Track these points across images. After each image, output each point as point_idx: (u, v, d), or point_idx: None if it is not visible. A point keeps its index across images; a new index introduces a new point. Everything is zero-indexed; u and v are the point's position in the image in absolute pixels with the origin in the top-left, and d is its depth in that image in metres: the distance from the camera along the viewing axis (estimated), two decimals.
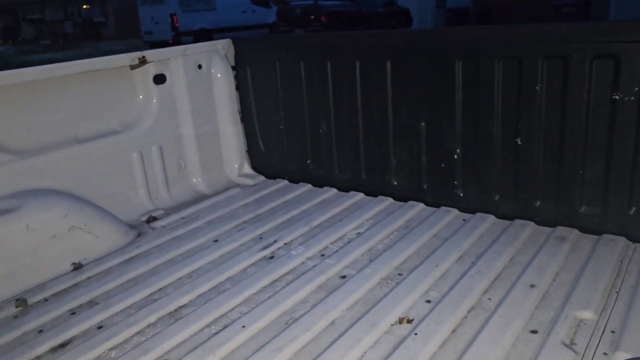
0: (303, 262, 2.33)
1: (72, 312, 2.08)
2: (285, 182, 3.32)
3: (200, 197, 3.17)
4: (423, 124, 2.74)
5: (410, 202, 2.82)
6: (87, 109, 2.78)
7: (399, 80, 2.76)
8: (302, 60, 3.09)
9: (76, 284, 2.30)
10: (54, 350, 1.85)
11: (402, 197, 2.88)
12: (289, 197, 3.09)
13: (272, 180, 3.38)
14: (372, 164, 3.00)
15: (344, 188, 3.09)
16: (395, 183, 2.94)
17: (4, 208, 2.31)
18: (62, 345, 1.88)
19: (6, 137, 2.46)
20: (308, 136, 3.21)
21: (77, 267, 2.42)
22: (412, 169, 2.86)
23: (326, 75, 3.00)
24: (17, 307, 2.13)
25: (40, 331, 1.97)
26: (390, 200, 2.90)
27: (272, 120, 3.33)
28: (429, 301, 1.97)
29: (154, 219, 2.92)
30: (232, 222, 2.80)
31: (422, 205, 2.79)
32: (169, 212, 2.99)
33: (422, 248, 2.37)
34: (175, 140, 3.16)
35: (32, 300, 2.18)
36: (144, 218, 2.92)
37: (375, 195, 2.96)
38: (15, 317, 2.08)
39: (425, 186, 2.83)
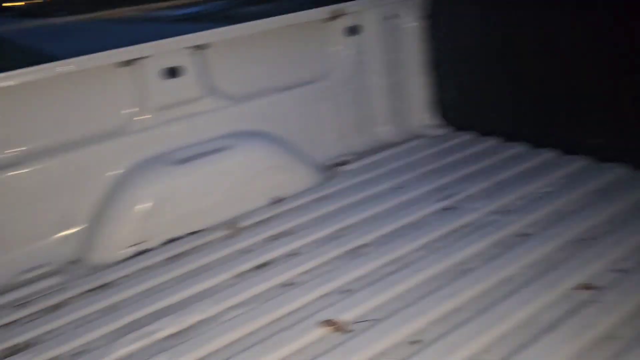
0: (483, 217, 2.33)
1: (272, 239, 2.42)
2: (473, 134, 3.27)
3: (387, 145, 3.31)
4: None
5: (610, 164, 2.58)
6: (286, 60, 3.06)
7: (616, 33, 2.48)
8: (506, 7, 2.93)
9: (276, 215, 2.64)
10: (256, 268, 2.20)
11: (602, 157, 2.64)
12: (475, 149, 3.05)
13: (459, 132, 3.35)
14: (568, 120, 2.79)
15: (536, 144, 2.94)
16: (595, 142, 2.70)
17: (221, 146, 2.72)
18: (263, 265, 2.21)
19: (225, 86, 2.87)
20: (501, 88, 3.08)
21: (277, 201, 2.77)
22: (616, 127, 2.58)
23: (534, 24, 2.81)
24: (227, 229, 2.55)
25: (247, 251, 2.34)
26: (588, 160, 2.68)
27: (464, 70, 3.27)
28: (619, 270, 1.84)
29: (343, 163, 3.15)
30: (415, 171, 2.88)
31: (623, 168, 2.53)
32: (356, 157, 3.19)
33: (616, 214, 2.19)
34: (365, 90, 3.31)
35: (241, 225, 2.58)
36: (335, 161, 3.17)
37: (570, 154, 2.76)
38: (228, 237, 2.49)
39: (630, 147, 2.55)
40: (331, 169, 3.10)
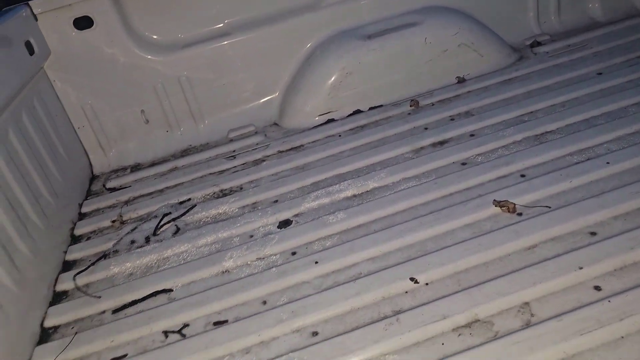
0: None
1: (452, 118, 2.43)
2: None
3: (594, 25, 2.94)
4: None
5: None
6: None
7: None
8: None
9: (457, 95, 2.61)
10: (433, 145, 2.26)
11: None
12: None
13: None
14: None
15: None
16: None
17: (410, 22, 2.70)
18: (441, 143, 2.26)
19: None
20: None
21: (461, 80, 2.72)
22: None
23: None
24: (410, 106, 2.61)
25: (426, 128, 2.39)
26: None
27: None
28: None
29: (538, 44, 2.90)
30: (624, 56, 2.56)
31: None
32: (555, 38, 2.92)
33: None
34: None
35: (422, 102, 2.62)
36: (528, 42, 2.94)
37: None
38: (409, 114, 2.56)
39: None
40: (524, 49, 2.90)
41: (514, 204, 1.75)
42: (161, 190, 2.42)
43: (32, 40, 2.29)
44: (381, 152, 2.28)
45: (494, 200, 1.79)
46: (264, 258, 1.81)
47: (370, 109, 2.68)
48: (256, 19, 2.72)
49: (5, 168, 1.83)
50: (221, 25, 2.72)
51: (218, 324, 1.58)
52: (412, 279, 1.56)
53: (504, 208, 1.76)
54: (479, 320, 1.39)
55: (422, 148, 2.26)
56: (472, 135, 2.26)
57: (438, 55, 2.69)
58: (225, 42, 2.68)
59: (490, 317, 1.39)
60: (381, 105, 2.68)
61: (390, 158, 2.23)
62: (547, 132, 2.15)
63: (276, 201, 2.13)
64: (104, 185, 2.57)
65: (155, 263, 1.92)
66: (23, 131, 2.06)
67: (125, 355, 1.55)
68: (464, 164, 2.07)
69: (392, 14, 2.76)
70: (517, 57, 2.82)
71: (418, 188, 1.98)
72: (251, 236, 1.94)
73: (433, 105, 2.58)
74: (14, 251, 1.73)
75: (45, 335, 1.71)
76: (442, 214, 1.81)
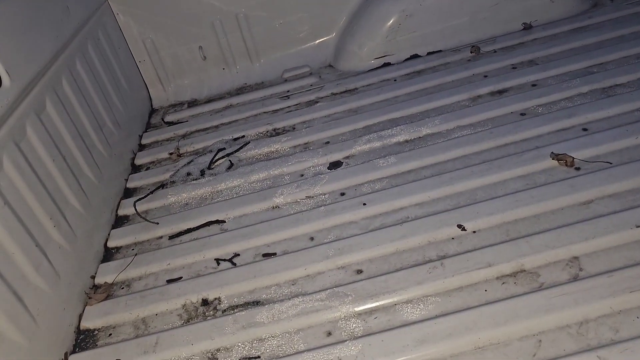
0: None
1: (514, 67, 2.33)
2: None
3: None
4: None
5: None
6: None
7: None
8: None
9: (522, 43, 2.50)
10: (492, 93, 2.19)
11: None
12: None
13: None
14: None
15: None
16: None
17: None
18: (500, 92, 2.19)
19: None
20: None
21: (527, 27, 2.59)
22: None
23: None
24: (471, 52, 2.52)
25: (485, 76, 2.32)
26: None
27: None
28: None
29: None
30: None
31: None
32: None
33: None
34: None
35: (483, 49, 2.52)
36: None
37: None
38: (469, 60, 2.48)
39: None
40: None
41: (573, 158, 1.70)
42: (216, 127, 2.48)
43: None
44: (437, 98, 2.23)
45: (552, 152, 1.74)
46: (313, 197, 1.85)
47: (429, 54, 2.61)
48: None
49: (73, 97, 1.92)
50: None
51: (267, 255, 1.65)
52: (459, 226, 1.56)
53: (561, 161, 1.72)
54: (524, 271, 1.39)
55: (479, 96, 2.19)
56: (534, 85, 2.17)
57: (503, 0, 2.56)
58: None
59: (536, 269, 1.39)
60: (440, 51, 2.60)
61: (445, 105, 2.19)
62: (616, 85, 2.04)
63: (328, 142, 2.14)
64: (162, 119, 2.65)
65: (209, 195, 2.00)
66: (89, 61, 2.13)
67: (180, 278, 1.65)
68: (522, 114, 2.01)
69: None
70: (591, 4, 2.65)
71: (472, 137, 1.94)
72: (302, 175, 1.98)
73: (495, 52, 2.49)
74: (81, 176, 1.83)
75: (109, 254, 1.84)
76: (495, 164, 1.78)
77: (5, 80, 1.40)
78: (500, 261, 1.41)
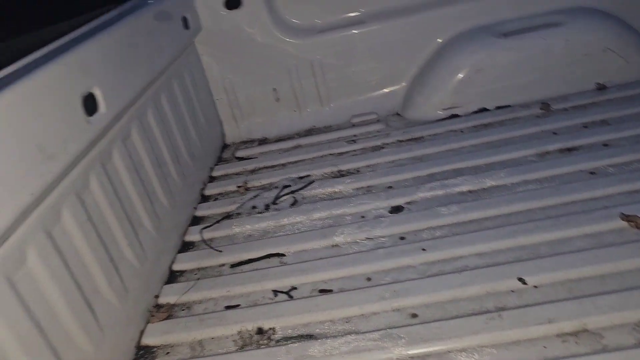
0: None
1: (585, 126, 2.30)
2: None
3: None
4: None
5: None
6: None
7: None
8: None
9: (595, 102, 2.47)
10: (561, 151, 2.17)
11: None
12: None
13: None
14: None
15: None
16: None
17: (550, 22, 2.59)
18: (569, 149, 2.16)
19: None
20: None
21: (601, 87, 2.56)
22: None
23: None
24: (541, 109, 2.51)
25: (555, 133, 2.30)
26: None
27: None
28: None
29: None
30: None
31: None
32: None
33: None
34: None
35: (554, 106, 2.51)
36: None
37: None
38: (538, 117, 2.47)
39: None
40: None
41: None
42: (283, 165, 2.57)
43: (188, 17, 2.54)
44: (503, 152, 2.23)
45: (621, 213, 1.70)
46: (373, 238, 1.88)
47: (497, 108, 2.62)
48: (391, 10, 2.76)
49: (156, 128, 2.07)
50: (357, 13, 2.81)
51: (323, 291, 1.68)
52: (520, 279, 1.54)
53: (632, 223, 1.67)
54: (587, 331, 1.34)
55: (547, 152, 2.18)
56: (605, 145, 2.13)
57: (579, 58, 2.56)
58: (359, 31, 2.76)
59: (600, 330, 1.34)
60: (509, 106, 2.61)
61: (512, 159, 2.18)
62: None
63: (390, 187, 2.18)
64: (233, 154, 2.79)
65: (272, 229, 2.07)
66: (172, 96, 2.30)
67: (238, 305, 1.70)
68: (592, 173, 1.97)
69: (532, 12, 2.66)
70: None
71: (538, 192, 1.92)
72: (363, 217, 2.01)
73: (566, 110, 2.47)
74: (155, 201, 1.96)
75: (173, 276, 1.93)
76: (561, 220, 1.74)
77: (102, 107, 1.54)
78: (561, 318, 1.37)
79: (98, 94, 1.53)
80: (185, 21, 2.49)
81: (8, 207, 1.12)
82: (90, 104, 1.48)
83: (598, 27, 2.56)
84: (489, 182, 2.05)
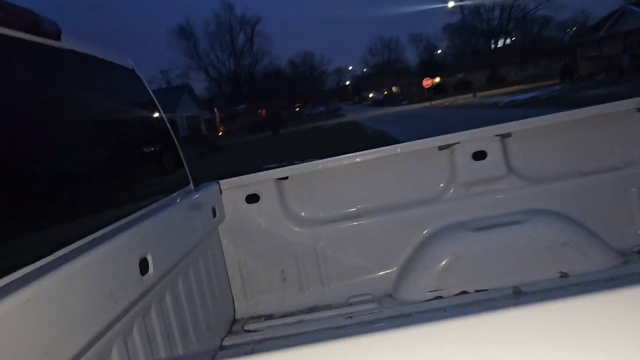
0: None
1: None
2: None
3: None
4: None
5: None
6: (591, 147, 3.28)
7: None
8: None
9: (560, 287, 2.86)
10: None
11: None
12: None
13: None
14: None
15: None
16: None
17: (512, 220, 3.12)
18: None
19: (522, 168, 3.29)
20: None
21: (564, 275, 2.98)
22: None
23: None
24: (513, 292, 2.90)
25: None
26: None
27: None
28: None
29: None
30: None
31: None
32: None
33: None
34: None
35: (525, 290, 2.90)
36: (636, 249, 3.15)
37: None
38: (512, 299, 2.84)
39: None
40: (629, 255, 3.11)
41: None
42: (287, 337, 2.87)
43: (215, 207, 3.10)
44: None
45: None
46: None
47: (476, 291, 3.00)
48: (384, 206, 3.33)
49: (183, 295, 2.45)
50: (354, 209, 3.37)
51: None
52: None
53: None
54: None
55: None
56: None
57: (541, 251, 3.02)
58: (357, 223, 3.29)
59: None
60: (486, 290, 3.00)
61: None
62: None
63: None
64: (242, 327, 3.10)
65: None
66: (197, 270, 2.73)
67: None
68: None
69: (500, 212, 3.21)
70: (621, 261, 3.03)
71: None
72: None
73: (534, 294, 2.85)
74: None
75: None
76: None
77: (151, 269, 1.97)
78: None
79: (149, 259, 1.96)
80: (214, 211, 3.04)
81: (90, 327, 1.48)
82: (144, 266, 1.90)
83: (555, 225, 3.07)
84: None
